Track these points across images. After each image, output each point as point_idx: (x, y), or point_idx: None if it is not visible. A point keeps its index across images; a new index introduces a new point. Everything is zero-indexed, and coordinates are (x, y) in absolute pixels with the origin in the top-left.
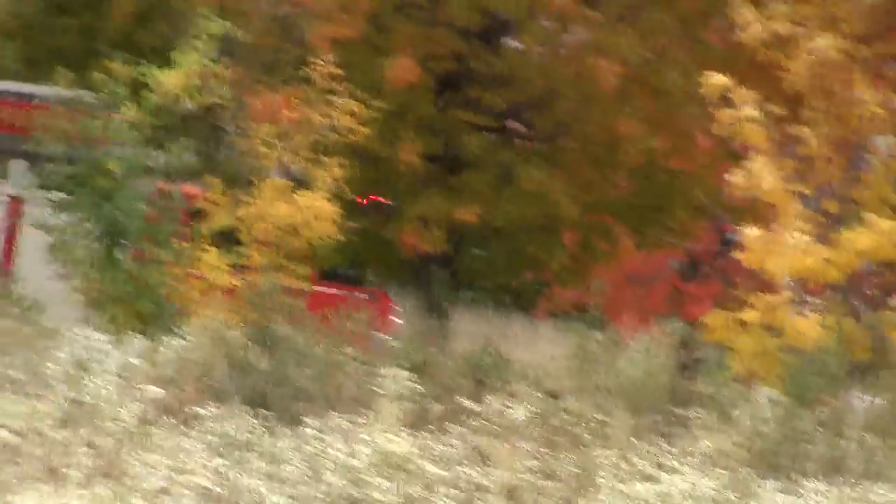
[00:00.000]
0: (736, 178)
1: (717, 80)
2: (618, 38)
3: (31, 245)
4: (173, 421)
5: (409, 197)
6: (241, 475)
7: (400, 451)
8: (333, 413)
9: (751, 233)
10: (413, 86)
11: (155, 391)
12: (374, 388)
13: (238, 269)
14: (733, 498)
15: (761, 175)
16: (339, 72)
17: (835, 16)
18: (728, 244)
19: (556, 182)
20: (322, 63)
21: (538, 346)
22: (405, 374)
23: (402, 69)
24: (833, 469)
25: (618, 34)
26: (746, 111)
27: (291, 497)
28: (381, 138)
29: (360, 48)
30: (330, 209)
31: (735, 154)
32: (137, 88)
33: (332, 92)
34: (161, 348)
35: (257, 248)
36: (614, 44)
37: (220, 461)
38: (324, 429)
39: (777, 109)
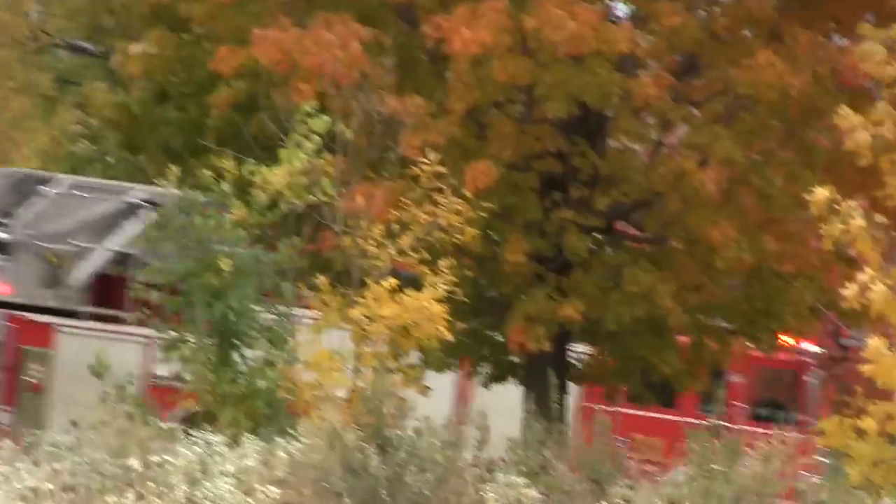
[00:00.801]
0: (848, 290)
1: (821, 193)
2: (719, 140)
3: None
4: None
5: (516, 297)
6: None
7: None
8: None
9: (872, 343)
10: (518, 186)
11: (272, 493)
12: (492, 495)
13: (351, 371)
14: None
15: (872, 287)
16: (444, 170)
17: None
18: (845, 349)
19: (664, 284)
20: (427, 162)
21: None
22: (521, 480)
23: (479, 172)
24: None
25: (718, 135)
26: (854, 223)
27: None
28: (488, 238)
29: (454, 150)
30: (439, 309)
31: (848, 258)
32: (244, 186)
33: (437, 191)
34: (276, 450)
35: (368, 348)
36: (715, 145)
37: None
38: None
39: (885, 219)
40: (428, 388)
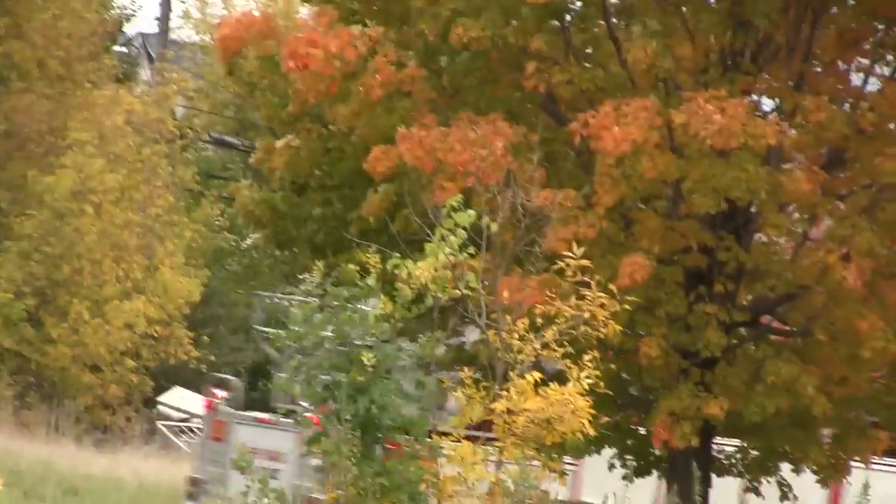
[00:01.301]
0: None
1: None
2: (861, 232)
3: None
4: None
5: (659, 391)
6: None
7: None
8: None
9: None
10: (662, 280)
11: None
12: None
13: (495, 463)
14: None
15: None
16: (589, 264)
17: None
18: None
19: (808, 377)
20: (573, 256)
21: None
22: None
23: (632, 266)
24: None
25: (860, 227)
26: None
27: None
28: (632, 332)
29: (601, 243)
30: (583, 403)
31: None
32: (389, 280)
33: (582, 285)
34: None
35: (512, 441)
36: (857, 237)
37: None
38: None
39: None
40: (566, 474)
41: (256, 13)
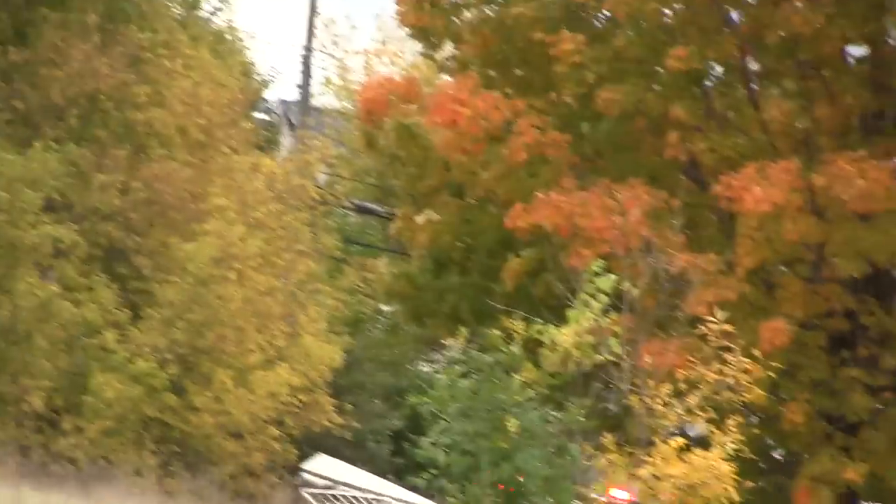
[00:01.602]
0: None
1: None
2: None
3: None
4: None
5: (801, 456)
6: None
7: None
8: None
9: None
10: (805, 344)
11: None
12: None
13: None
14: None
15: None
16: (731, 329)
17: None
18: None
19: None
20: (715, 320)
21: None
22: None
23: (772, 332)
24: None
25: None
26: None
27: None
28: (775, 396)
29: (743, 307)
30: (727, 468)
31: None
32: (532, 346)
33: (725, 349)
34: None
35: None
36: None
37: None
38: None
39: None
40: None
41: (398, 78)
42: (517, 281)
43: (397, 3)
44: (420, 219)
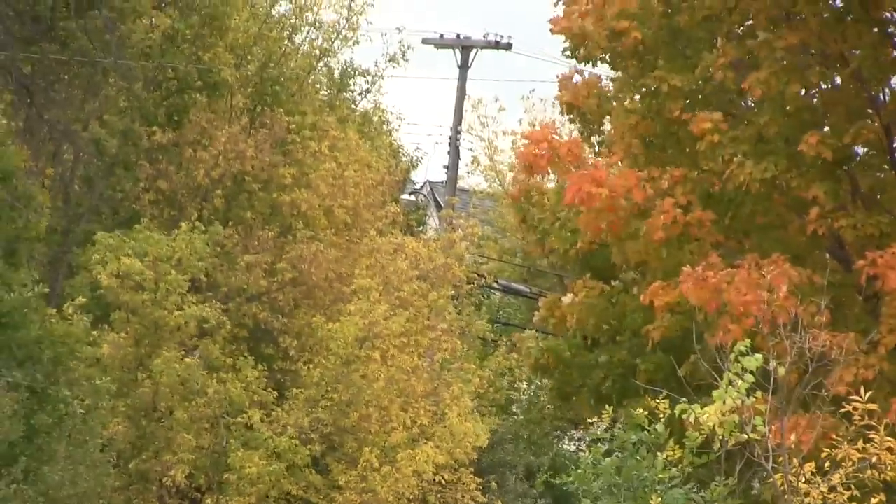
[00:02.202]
0: None
1: None
2: None
3: None
4: None
5: None
6: None
7: None
8: None
9: None
10: None
11: None
12: None
13: None
14: None
15: None
16: (876, 408)
17: None
18: None
19: None
20: (858, 399)
21: None
22: None
23: None
24: None
25: None
26: None
27: None
28: None
29: (883, 385)
30: None
31: None
32: (676, 425)
33: (868, 427)
34: None
35: None
36: None
37: None
38: None
39: None
40: None
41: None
42: (656, 354)
43: (559, 89)
44: (565, 299)
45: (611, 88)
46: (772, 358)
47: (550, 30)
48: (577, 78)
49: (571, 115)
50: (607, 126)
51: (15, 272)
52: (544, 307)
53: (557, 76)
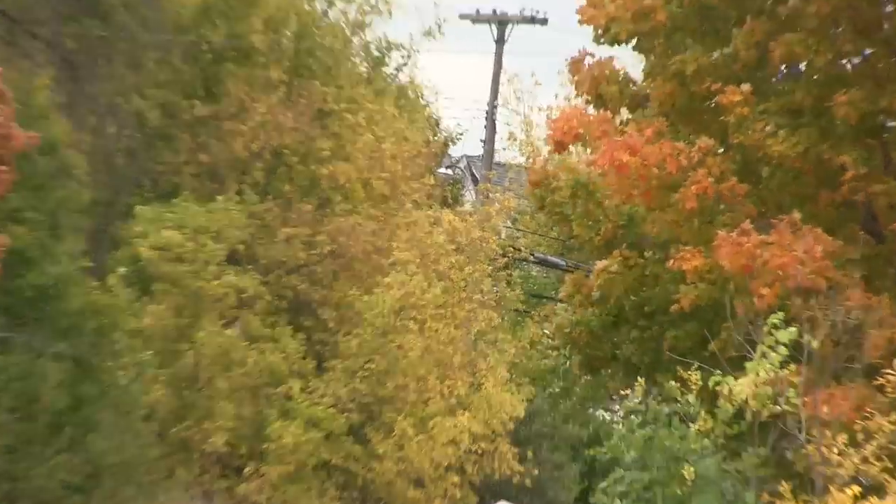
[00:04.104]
0: None
1: None
2: None
3: None
4: None
5: None
6: None
7: None
8: None
9: None
10: None
11: None
12: None
13: None
14: None
15: None
16: None
17: None
18: None
19: None
20: (891, 371)
21: None
22: None
23: None
24: None
25: None
26: None
27: None
28: None
29: None
30: None
31: None
32: (708, 397)
33: None
34: None
35: None
36: None
37: None
38: None
39: None
40: None
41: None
42: (687, 326)
43: (574, 85)
44: (598, 265)
45: (627, 71)
46: (804, 330)
47: (578, 20)
48: (588, 60)
49: (590, 100)
50: (622, 114)
51: (58, 243)
52: (570, 283)
53: (567, 58)
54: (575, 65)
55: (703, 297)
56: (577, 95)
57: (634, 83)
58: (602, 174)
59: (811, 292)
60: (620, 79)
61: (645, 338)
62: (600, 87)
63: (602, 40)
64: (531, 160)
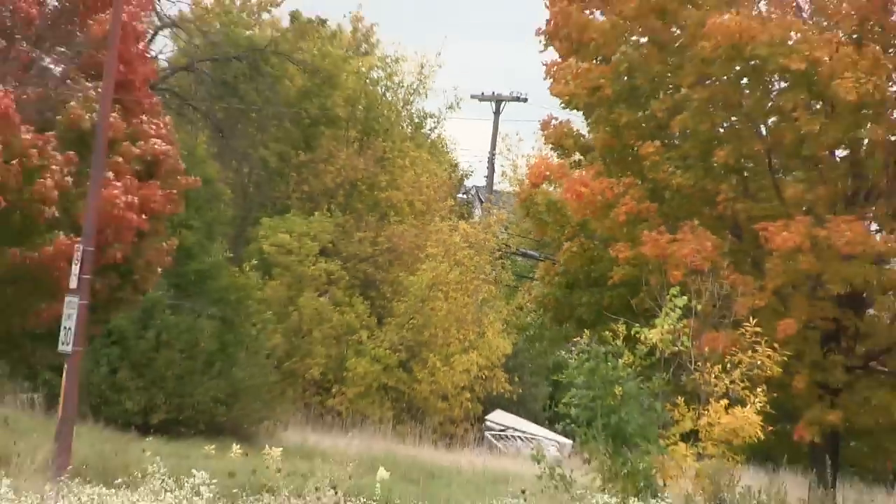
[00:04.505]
0: None
1: None
2: None
3: None
4: None
5: (802, 409)
6: None
7: None
8: None
9: None
10: (806, 338)
11: None
12: None
13: (699, 457)
14: None
15: None
16: (759, 329)
17: None
18: None
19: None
20: (749, 324)
21: None
22: None
23: (784, 327)
24: None
25: None
26: None
27: None
28: (787, 372)
29: (768, 314)
30: (756, 419)
31: None
32: (631, 341)
33: (756, 342)
34: None
35: (711, 443)
36: None
37: None
38: None
39: None
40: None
41: (554, 161)
42: (618, 289)
43: (544, 137)
44: (563, 248)
45: (579, 129)
46: (693, 297)
47: (550, 93)
48: (554, 122)
49: (554, 148)
50: (576, 156)
51: (211, 243)
52: (542, 268)
53: (539, 121)
54: (545, 125)
55: (628, 275)
56: (545, 143)
57: (584, 136)
58: (566, 199)
59: (699, 272)
60: (574, 134)
61: (591, 301)
62: (561, 139)
63: (565, 107)
64: (518, 189)
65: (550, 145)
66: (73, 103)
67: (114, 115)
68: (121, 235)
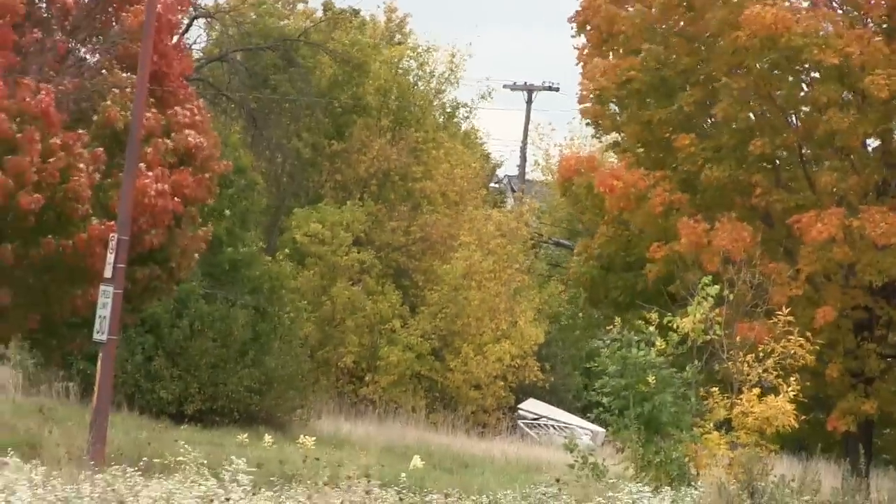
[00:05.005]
0: None
1: None
2: None
3: None
4: None
5: (836, 397)
6: None
7: None
8: None
9: None
10: (839, 327)
11: None
12: None
13: (732, 446)
14: None
15: None
16: (792, 318)
17: None
18: None
19: None
20: (782, 313)
21: None
22: None
23: (823, 315)
24: None
25: None
26: None
27: None
28: (821, 361)
29: (803, 302)
30: (790, 408)
31: None
32: (664, 329)
33: (789, 331)
34: (684, 497)
35: (744, 432)
36: None
37: None
38: None
39: None
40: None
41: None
42: (655, 285)
43: (580, 110)
44: (598, 232)
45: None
46: (726, 287)
47: (580, 87)
48: (591, 97)
49: (591, 124)
50: (612, 136)
51: (245, 232)
52: (581, 245)
53: (575, 109)
54: (583, 98)
55: (661, 271)
56: (582, 119)
57: (619, 116)
58: (600, 193)
59: (732, 262)
60: (611, 113)
61: (626, 285)
62: (598, 116)
63: (595, 102)
64: (549, 178)
65: (587, 121)
66: (108, 102)
67: (149, 112)
68: (156, 221)
